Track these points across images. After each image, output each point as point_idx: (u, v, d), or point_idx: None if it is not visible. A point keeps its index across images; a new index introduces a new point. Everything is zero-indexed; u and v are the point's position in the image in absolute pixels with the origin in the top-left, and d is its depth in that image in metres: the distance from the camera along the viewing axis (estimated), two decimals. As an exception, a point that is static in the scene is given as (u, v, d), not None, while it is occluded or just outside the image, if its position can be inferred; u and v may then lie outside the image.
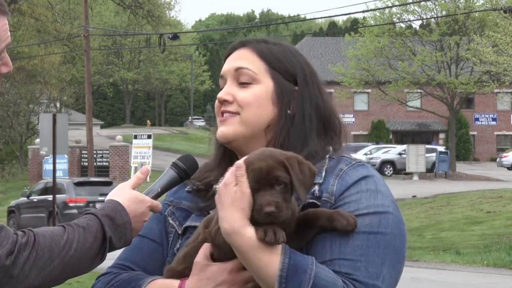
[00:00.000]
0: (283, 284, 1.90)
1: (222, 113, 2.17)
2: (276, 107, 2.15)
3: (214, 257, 2.02)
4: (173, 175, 2.19)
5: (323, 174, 2.07)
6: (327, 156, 2.13)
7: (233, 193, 1.94)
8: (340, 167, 2.08)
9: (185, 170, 2.19)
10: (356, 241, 1.96)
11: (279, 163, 1.93)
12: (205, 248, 2.03)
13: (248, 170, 1.93)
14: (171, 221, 2.22)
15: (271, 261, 1.91)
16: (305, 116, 2.15)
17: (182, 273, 2.06)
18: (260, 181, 1.92)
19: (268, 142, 2.15)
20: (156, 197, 2.16)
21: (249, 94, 2.14)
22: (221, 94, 2.18)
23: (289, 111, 2.15)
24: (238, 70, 2.17)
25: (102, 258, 2.03)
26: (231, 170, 1.97)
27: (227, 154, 2.22)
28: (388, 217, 2.00)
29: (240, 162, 1.96)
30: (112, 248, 2.05)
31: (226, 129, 2.15)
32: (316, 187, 2.05)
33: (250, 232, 1.92)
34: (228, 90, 2.17)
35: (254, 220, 1.94)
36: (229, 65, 2.20)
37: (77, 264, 1.98)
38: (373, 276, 1.94)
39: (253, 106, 2.14)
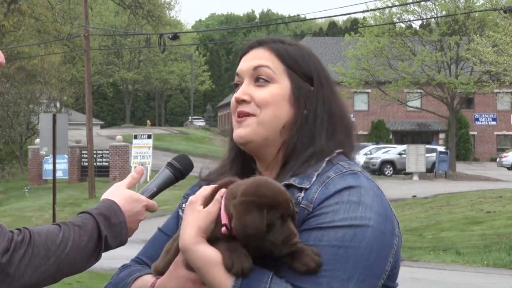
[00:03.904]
0: None
1: (239, 114, 2.16)
2: (292, 108, 2.14)
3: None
4: (168, 174, 2.20)
5: (313, 179, 2.04)
6: (325, 159, 2.09)
7: (196, 212, 1.96)
8: (328, 175, 2.04)
9: (180, 169, 2.21)
10: (324, 255, 1.92)
11: (289, 195, 1.95)
12: None
13: (272, 201, 1.91)
14: (180, 213, 2.25)
15: (224, 280, 1.91)
16: (317, 117, 2.14)
17: (162, 272, 2.08)
18: (286, 213, 1.91)
19: (283, 143, 2.14)
20: (151, 196, 2.17)
21: (267, 94, 2.13)
22: (238, 94, 2.15)
23: (305, 111, 2.14)
24: (257, 68, 2.15)
25: (97, 257, 2.04)
26: (200, 191, 2.01)
27: (238, 157, 2.22)
28: (366, 231, 1.95)
29: (223, 190, 1.97)
30: (108, 248, 2.05)
31: (243, 130, 2.13)
32: (302, 193, 2.03)
33: (202, 249, 1.93)
34: (245, 90, 2.15)
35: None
36: (246, 64, 2.18)
37: (72, 263, 1.98)
38: None
39: (271, 106, 2.12)
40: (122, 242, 2.08)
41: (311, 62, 2.18)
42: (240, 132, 2.14)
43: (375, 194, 2.02)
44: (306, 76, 2.16)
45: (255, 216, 1.88)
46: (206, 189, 2.02)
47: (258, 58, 2.16)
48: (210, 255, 1.92)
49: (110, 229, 2.04)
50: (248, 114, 2.13)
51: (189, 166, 2.22)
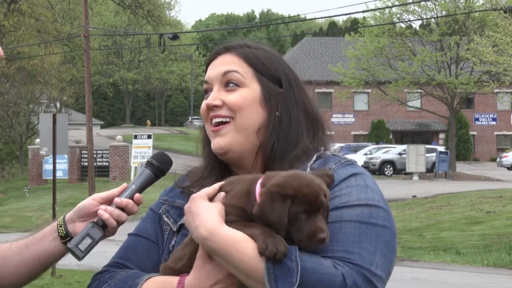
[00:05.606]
0: (271, 275, 1.88)
1: (212, 118, 2.16)
2: (264, 110, 2.15)
3: None
4: (148, 174, 2.23)
5: (307, 171, 2.09)
6: (315, 155, 2.14)
7: (208, 203, 1.98)
8: (329, 166, 2.09)
9: (160, 167, 2.24)
10: (349, 229, 1.97)
11: (321, 189, 1.95)
12: None
13: (297, 193, 1.91)
14: (165, 219, 2.23)
15: (255, 254, 1.89)
16: (292, 118, 2.16)
17: (180, 272, 2.05)
18: (312, 207, 1.92)
19: (260, 145, 2.15)
20: (131, 195, 2.19)
21: (238, 97, 2.15)
22: (209, 100, 2.17)
23: (277, 113, 2.15)
24: (226, 73, 2.16)
25: None
26: (203, 189, 2.03)
27: (216, 164, 2.22)
28: (379, 211, 2.02)
29: (223, 193, 2.01)
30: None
31: (222, 139, 2.15)
32: None
33: (228, 230, 1.93)
34: (216, 96, 2.17)
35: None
36: (215, 70, 2.19)
37: None
38: (367, 261, 1.93)
39: (244, 109, 2.14)
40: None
41: (279, 65, 2.21)
42: (219, 141, 2.15)
43: (374, 181, 2.11)
44: (275, 78, 2.19)
45: (277, 206, 1.91)
46: (209, 188, 2.04)
47: (227, 63, 2.18)
48: (236, 234, 1.92)
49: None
50: (224, 118, 2.14)
51: (168, 163, 2.26)
